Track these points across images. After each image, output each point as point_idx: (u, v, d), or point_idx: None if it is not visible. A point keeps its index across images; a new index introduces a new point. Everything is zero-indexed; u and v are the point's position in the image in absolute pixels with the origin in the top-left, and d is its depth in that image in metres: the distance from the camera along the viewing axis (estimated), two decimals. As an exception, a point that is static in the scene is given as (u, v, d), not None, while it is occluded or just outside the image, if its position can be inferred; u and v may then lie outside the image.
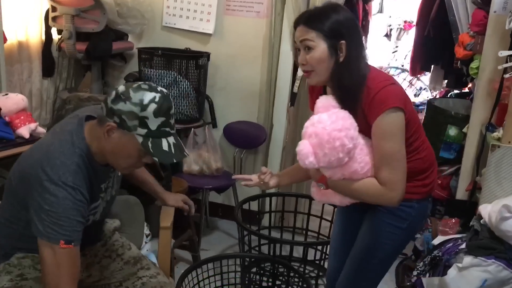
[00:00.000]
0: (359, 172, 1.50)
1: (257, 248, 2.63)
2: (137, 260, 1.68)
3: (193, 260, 2.85)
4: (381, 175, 1.46)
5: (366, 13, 4.72)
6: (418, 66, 4.43)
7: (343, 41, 1.44)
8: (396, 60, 7.10)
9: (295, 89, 3.14)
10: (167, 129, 1.36)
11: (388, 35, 7.74)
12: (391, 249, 1.65)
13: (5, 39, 2.58)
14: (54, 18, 3.01)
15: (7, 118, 2.26)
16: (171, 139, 1.37)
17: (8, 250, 1.50)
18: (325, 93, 1.62)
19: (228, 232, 3.32)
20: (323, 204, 2.85)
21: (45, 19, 3.08)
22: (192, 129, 3.09)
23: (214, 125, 3.32)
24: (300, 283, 2.35)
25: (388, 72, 6.10)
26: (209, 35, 3.25)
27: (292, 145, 3.21)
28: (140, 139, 1.33)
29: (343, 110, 1.50)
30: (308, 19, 1.48)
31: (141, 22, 3.24)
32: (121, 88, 1.34)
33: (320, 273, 2.59)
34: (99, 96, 2.19)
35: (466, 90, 4.09)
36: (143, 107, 1.30)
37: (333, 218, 2.77)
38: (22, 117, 2.29)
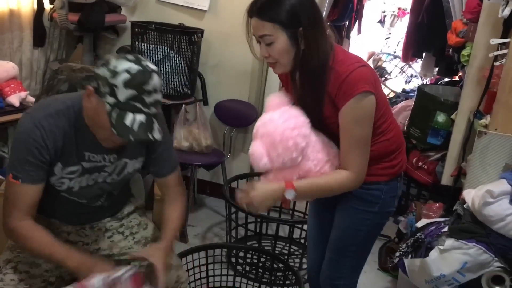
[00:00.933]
0: (313, 170, 1.47)
1: (244, 226, 2.66)
2: (148, 241, 1.65)
3: (180, 235, 2.89)
4: (349, 160, 1.45)
5: (361, -3, 4.71)
6: (410, 52, 4.46)
7: (301, 28, 1.37)
8: (388, 46, 7.10)
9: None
10: (138, 104, 1.27)
11: (381, 21, 7.73)
12: (366, 234, 1.65)
13: (-4, 6, 2.54)
14: (46, -13, 2.97)
15: (-4, 86, 2.24)
16: (141, 117, 1.28)
17: None
18: (294, 76, 1.52)
19: (215, 209, 3.35)
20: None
21: (37, -12, 3.03)
22: (183, 105, 3.09)
23: (205, 103, 3.32)
24: (288, 273, 2.39)
25: (380, 58, 6.12)
26: (204, 11, 3.23)
27: (282, 125, 3.23)
28: (108, 108, 1.28)
29: (295, 107, 1.49)
30: (261, 10, 1.38)
31: (134, -5, 3.20)
32: (109, 55, 1.32)
33: (305, 253, 2.63)
34: (92, 67, 2.16)
35: (457, 78, 4.14)
36: (114, 74, 1.25)
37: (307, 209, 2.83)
38: (12, 85, 2.27)
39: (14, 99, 2.25)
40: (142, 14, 3.36)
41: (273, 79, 3.22)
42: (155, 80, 1.29)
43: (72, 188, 1.48)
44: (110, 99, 1.27)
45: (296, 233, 2.73)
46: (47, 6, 3.12)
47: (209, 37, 3.20)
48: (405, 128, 3.46)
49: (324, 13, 3.09)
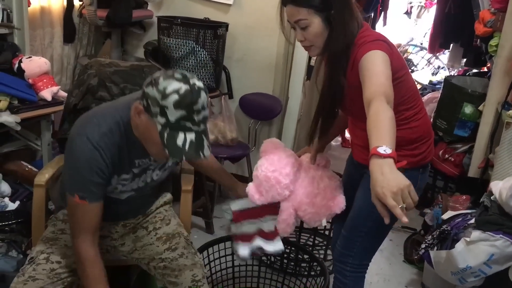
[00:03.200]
0: (305, 201, 1.67)
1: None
2: (169, 237, 1.69)
3: (206, 227, 2.95)
4: (370, 86, 1.32)
5: (387, -12, 4.65)
6: (437, 43, 4.40)
7: (333, 11, 1.45)
8: (412, 39, 7.00)
9: (312, 62, 3.14)
10: (188, 124, 1.29)
11: (408, 13, 7.62)
12: (379, 217, 1.53)
13: (29, 3, 2.61)
14: (75, -16, 3.04)
15: (30, 81, 2.32)
16: (191, 135, 1.31)
17: (59, 205, 1.64)
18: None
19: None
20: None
21: (66, -15, 3.11)
22: (209, 99, 3.12)
23: (230, 96, 3.36)
24: (312, 264, 2.40)
25: (406, 50, 6.04)
26: (229, 5, 3.26)
27: (307, 118, 3.24)
28: (159, 128, 1.31)
29: (282, 151, 1.72)
30: None
31: (161, -10, 3.25)
32: (158, 73, 1.34)
33: (329, 245, 2.64)
34: (121, 62, 2.22)
35: (485, 69, 4.06)
36: (165, 96, 1.27)
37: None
38: (44, 80, 2.35)
39: (47, 94, 2.33)
40: (168, 9, 3.41)
41: (298, 72, 3.24)
42: (203, 98, 1.31)
43: (125, 192, 1.56)
44: (161, 119, 1.29)
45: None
46: (77, 3, 3.20)
47: (233, 31, 3.23)
48: (432, 120, 3.42)
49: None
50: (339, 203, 1.68)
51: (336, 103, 1.59)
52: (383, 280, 2.61)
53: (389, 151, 1.12)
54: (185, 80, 1.30)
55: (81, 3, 3.19)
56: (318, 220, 1.71)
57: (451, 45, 4.30)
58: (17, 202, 2.27)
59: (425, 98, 3.96)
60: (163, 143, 1.30)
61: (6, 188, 2.29)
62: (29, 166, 2.43)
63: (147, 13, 3.34)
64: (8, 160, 2.39)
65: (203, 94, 1.31)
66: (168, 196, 1.86)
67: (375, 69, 1.36)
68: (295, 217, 1.73)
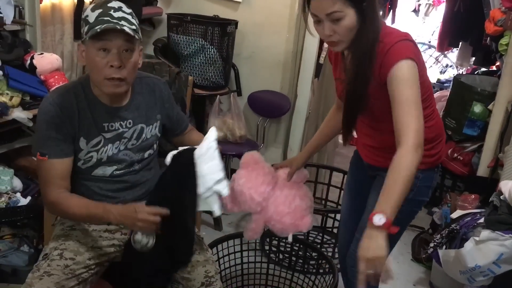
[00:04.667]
0: (274, 218, 1.74)
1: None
2: None
3: (215, 223, 2.96)
4: (405, 126, 1.36)
5: (396, -14, 4.64)
6: (446, 41, 4.38)
7: (365, 3, 1.41)
8: (417, 36, 6.96)
9: (321, 60, 3.15)
10: (106, 18, 1.39)
11: (416, 10, 7.58)
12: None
13: (40, 0, 2.63)
14: (86, -19, 3.05)
15: (42, 77, 2.34)
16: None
17: None
18: (343, 55, 1.59)
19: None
20: (343, 176, 2.90)
21: (77, -18, 3.12)
22: (218, 96, 3.14)
23: (239, 93, 3.36)
24: (321, 261, 2.41)
25: (415, 48, 6.01)
26: (238, 3, 3.26)
27: (315, 116, 3.24)
28: (87, 37, 1.40)
29: (261, 167, 1.75)
30: None
31: (171, -12, 3.26)
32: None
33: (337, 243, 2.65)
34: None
35: (494, 68, 4.05)
36: (85, 10, 1.43)
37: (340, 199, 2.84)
38: (56, 77, 2.36)
39: (58, 90, 2.34)
40: (177, 6, 3.42)
41: (306, 70, 3.24)
42: (120, 3, 1.45)
43: (101, 160, 1.57)
44: (86, 29, 1.40)
45: (329, 223, 2.75)
46: (87, 0, 3.22)
47: (243, 28, 3.23)
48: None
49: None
50: (306, 223, 1.77)
51: (362, 100, 1.51)
52: (390, 278, 2.61)
53: (383, 220, 1.29)
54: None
55: (90, 0, 3.20)
56: (285, 234, 1.80)
57: (460, 43, 4.29)
58: (29, 198, 2.29)
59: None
60: (93, 36, 1.37)
61: (17, 183, 2.31)
62: (40, 162, 2.44)
63: (157, 10, 3.35)
64: (20, 155, 2.41)
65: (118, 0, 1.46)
66: None
67: (407, 94, 1.37)
68: (263, 228, 1.80)
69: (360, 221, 1.70)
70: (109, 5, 1.42)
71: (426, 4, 7.57)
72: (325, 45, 3.08)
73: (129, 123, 1.59)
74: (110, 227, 1.64)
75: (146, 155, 1.67)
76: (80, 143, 1.53)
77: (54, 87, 1.54)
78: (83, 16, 1.43)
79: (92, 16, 1.40)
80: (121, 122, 1.58)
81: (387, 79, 1.41)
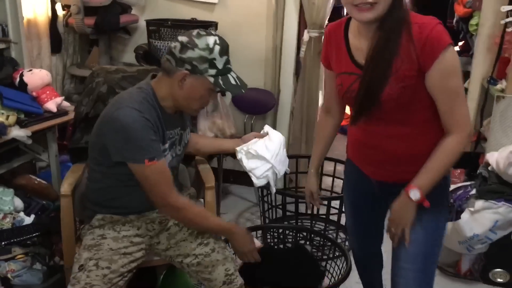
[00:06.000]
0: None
1: (280, 207, 2.77)
2: (200, 232, 1.74)
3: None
4: (456, 117, 1.36)
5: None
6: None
7: None
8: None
9: (302, 54, 3.23)
10: (229, 65, 1.56)
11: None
12: (444, 227, 1.57)
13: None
14: (60, -6, 3.02)
15: (34, 94, 2.31)
16: (234, 74, 1.59)
17: (90, 213, 1.68)
18: (347, 42, 1.45)
19: (242, 196, 3.45)
20: (335, 164, 3.00)
21: (50, -5, 3.08)
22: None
23: (223, 93, 3.40)
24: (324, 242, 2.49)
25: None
26: (214, 4, 3.30)
27: (300, 108, 3.32)
28: (212, 79, 1.51)
29: None
30: None
31: (145, -6, 3.27)
32: (183, 38, 1.50)
33: (339, 230, 2.73)
34: (127, 68, 2.24)
35: (458, 49, 4.24)
36: (211, 50, 1.49)
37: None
38: (47, 92, 2.34)
39: (51, 105, 2.32)
40: (152, 12, 3.42)
41: (287, 64, 3.31)
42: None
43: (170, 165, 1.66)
44: (212, 71, 1.51)
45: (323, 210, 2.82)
46: (60, 13, 3.17)
47: (221, 29, 3.26)
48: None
49: None
50: None
51: (384, 85, 1.35)
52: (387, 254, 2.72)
53: (418, 196, 1.40)
54: (209, 33, 1.54)
55: (65, 12, 3.17)
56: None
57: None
58: (32, 216, 2.26)
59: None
60: (222, 88, 1.53)
61: (19, 203, 2.28)
62: (38, 179, 2.41)
63: (133, 18, 3.34)
64: (17, 174, 2.38)
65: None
66: (192, 189, 1.92)
67: (459, 83, 1.35)
68: None
69: (410, 252, 1.50)
70: (229, 50, 1.57)
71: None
72: (305, 38, 3.17)
73: (178, 130, 1.68)
74: (139, 232, 1.67)
75: (182, 154, 1.79)
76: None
77: (120, 99, 1.56)
78: (205, 53, 1.49)
79: (219, 62, 1.52)
80: (175, 129, 1.66)
81: (433, 67, 1.30)
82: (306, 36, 3.15)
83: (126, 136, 1.48)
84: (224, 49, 1.53)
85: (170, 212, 1.62)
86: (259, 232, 2.57)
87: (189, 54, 1.48)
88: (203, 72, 1.50)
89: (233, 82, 1.56)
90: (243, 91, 1.58)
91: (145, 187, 1.55)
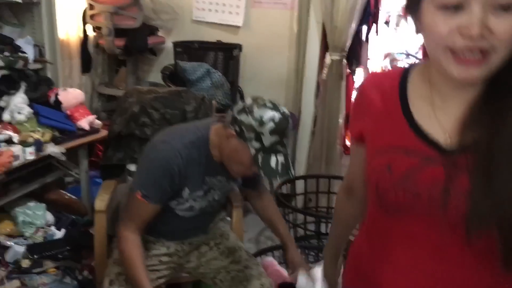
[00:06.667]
0: None
1: (301, 226, 2.80)
2: (232, 251, 1.77)
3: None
4: None
5: (377, 1, 4.86)
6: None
7: None
8: (393, 46, 7.22)
9: (324, 76, 3.29)
10: (279, 147, 1.48)
11: (387, 22, 7.89)
12: None
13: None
14: (91, 16, 3.14)
15: (68, 112, 2.41)
16: (281, 157, 1.48)
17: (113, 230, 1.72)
18: (404, 103, 0.90)
19: (261, 214, 3.48)
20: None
21: (82, 17, 3.20)
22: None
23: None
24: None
25: (395, 58, 6.26)
26: (238, 27, 3.40)
27: (321, 129, 3.38)
28: (253, 151, 1.45)
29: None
30: None
31: (172, 17, 3.38)
32: (249, 101, 1.50)
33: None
34: (159, 89, 2.32)
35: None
36: (262, 123, 1.44)
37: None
38: (80, 110, 2.44)
39: (84, 123, 2.41)
40: (178, 34, 3.53)
41: (309, 87, 3.38)
42: (290, 124, 1.50)
43: (193, 207, 1.64)
44: (256, 144, 1.44)
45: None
46: (91, 34, 3.30)
47: (244, 50, 3.36)
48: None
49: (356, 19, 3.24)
50: None
51: None
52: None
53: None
54: (276, 108, 1.48)
55: (95, 33, 3.29)
56: None
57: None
58: (63, 230, 2.34)
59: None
60: (258, 165, 1.45)
61: (50, 217, 2.36)
62: (68, 195, 2.50)
63: (159, 39, 3.45)
64: (48, 189, 2.46)
65: (290, 120, 1.49)
66: (221, 212, 1.96)
67: None
68: None
69: None
70: (285, 132, 1.51)
71: (397, 15, 7.89)
72: (327, 61, 3.24)
73: (222, 179, 1.65)
74: (169, 251, 1.71)
75: (224, 197, 1.79)
76: (183, 192, 1.57)
77: (172, 132, 1.57)
78: (255, 124, 1.44)
79: (267, 138, 1.45)
80: (218, 177, 1.63)
81: None
82: (328, 59, 3.22)
83: (147, 165, 1.52)
84: (278, 130, 1.46)
85: (117, 239, 1.61)
86: (280, 251, 2.62)
87: (243, 117, 1.46)
88: (247, 140, 1.46)
89: (272, 164, 1.47)
90: (278, 178, 1.52)
91: (125, 209, 1.59)
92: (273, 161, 1.46)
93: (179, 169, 1.49)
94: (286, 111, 1.51)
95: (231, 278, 1.71)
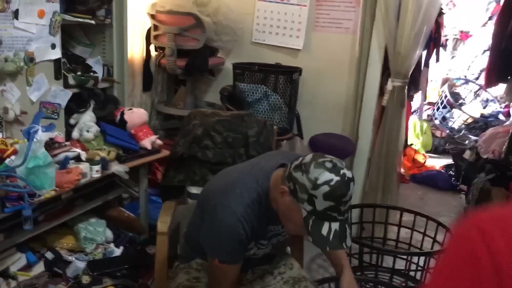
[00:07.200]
0: None
1: (356, 256, 2.72)
2: (296, 281, 1.73)
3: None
4: None
5: (439, 26, 4.75)
6: (493, 77, 4.44)
7: None
8: (450, 71, 7.03)
9: (384, 103, 3.22)
10: (334, 214, 1.31)
11: (443, 45, 7.69)
12: None
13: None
14: (155, 37, 3.22)
15: (132, 131, 2.45)
16: (335, 225, 1.32)
17: (190, 255, 1.71)
18: None
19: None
20: (415, 216, 2.92)
21: (146, 37, 3.29)
22: (284, 140, 3.22)
23: (301, 136, 3.44)
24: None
25: (454, 84, 6.08)
26: (298, 50, 3.39)
27: (379, 157, 3.29)
28: (304, 214, 1.32)
29: None
30: None
31: (233, 39, 3.41)
32: (308, 158, 1.35)
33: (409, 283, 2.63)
34: (222, 112, 2.34)
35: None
36: (315, 186, 1.28)
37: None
38: (144, 130, 2.48)
39: (147, 143, 2.45)
40: (238, 55, 3.55)
41: (367, 112, 3.31)
42: (351, 189, 1.30)
43: (257, 253, 1.62)
44: (308, 207, 1.31)
45: (398, 264, 2.73)
46: (153, 53, 3.38)
47: (304, 74, 3.34)
48: (503, 155, 3.44)
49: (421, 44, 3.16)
50: None
51: None
52: None
53: None
54: (335, 170, 1.29)
55: (157, 53, 3.37)
56: None
57: (509, 78, 4.34)
58: (121, 248, 2.36)
59: (487, 133, 3.98)
60: (307, 229, 1.32)
61: (109, 234, 2.40)
62: (127, 212, 2.53)
63: (219, 61, 3.49)
64: (109, 206, 2.50)
65: (351, 185, 1.30)
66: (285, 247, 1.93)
67: None
68: None
69: None
70: (343, 199, 1.30)
71: (454, 38, 7.68)
72: (388, 87, 3.17)
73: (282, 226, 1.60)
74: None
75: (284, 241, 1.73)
76: (250, 244, 1.56)
77: (236, 195, 1.47)
78: (308, 185, 1.29)
79: (320, 203, 1.29)
80: (279, 225, 1.57)
81: None
82: (389, 85, 3.15)
83: (215, 234, 1.47)
84: (335, 195, 1.27)
85: None
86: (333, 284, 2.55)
87: (297, 175, 1.32)
88: (299, 201, 1.32)
89: (324, 232, 1.30)
90: (328, 248, 1.32)
91: (208, 275, 1.58)
92: (325, 228, 1.30)
93: (246, 233, 1.45)
94: (349, 173, 1.31)
95: None
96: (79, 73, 2.34)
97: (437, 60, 4.96)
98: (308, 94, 3.44)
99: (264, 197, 1.46)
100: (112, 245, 2.35)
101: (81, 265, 2.19)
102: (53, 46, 2.19)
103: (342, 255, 1.77)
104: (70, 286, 2.12)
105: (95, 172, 2.13)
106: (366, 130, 3.36)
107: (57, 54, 2.22)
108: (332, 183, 1.27)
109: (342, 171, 1.30)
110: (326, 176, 1.28)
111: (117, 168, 2.21)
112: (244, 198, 1.44)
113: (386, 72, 3.30)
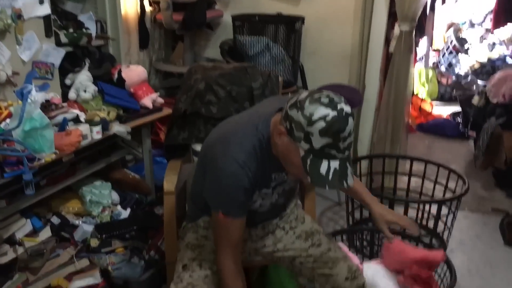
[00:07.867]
0: None
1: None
2: (309, 234, 1.69)
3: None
4: None
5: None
6: (502, 18, 4.29)
7: None
8: (454, 16, 6.80)
9: (391, 49, 3.10)
10: (333, 151, 1.23)
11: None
12: None
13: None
14: (149, -10, 3.07)
15: (131, 90, 2.35)
16: (335, 163, 1.24)
17: (197, 213, 1.64)
18: None
19: (323, 194, 3.37)
20: (425, 164, 2.85)
21: (139, -9, 3.14)
22: (289, 93, 3.12)
23: (306, 89, 3.34)
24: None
25: (459, 29, 5.88)
26: (299, -2, 3.24)
27: (387, 106, 3.20)
28: (302, 153, 1.25)
29: None
30: None
31: (231, -11, 3.26)
32: (303, 94, 1.26)
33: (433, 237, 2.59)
34: (223, 65, 2.23)
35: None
36: (310, 122, 1.20)
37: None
38: (144, 88, 2.38)
39: (147, 101, 2.36)
40: (235, 7, 3.40)
41: (374, 60, 3.19)
42: (350, 125, 1.22)
43: (263, 204, 1.55)
44: (305, 145, 1.24)
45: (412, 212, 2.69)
46: (148, 9, 3.23)
47: (306, 23, 3.20)
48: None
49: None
50: None
51: None
52: (489, 266, 2.57)
53: None
54: (332, 105, 1.21)
55: (152, 8, 3.22)
56: None
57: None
58: (128, 209, 2.32)
59: (495, 77, 3.84)
60: (305, 169, 1.25)
61: (115, 196, 2.34)
62: (132, 174, 2.47)
63: (217, 13, 3.35)
64: (112, 168, 2.44)
65: (350, 121, 1.22)
66: (296, 199, 1.87)
67: None
68: None
69: None
70: (341, 135, 1.21)
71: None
72: (396, 32, 3.03)
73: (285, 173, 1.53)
74: (243, 236, 1.65)
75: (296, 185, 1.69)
76: (254, 195, 1.48)
77: (230, 137, 1.40)
78: (303, 122, 1.21)
79: (316, 141, 1.21)
80: (283, 172, 1.50)
81: None
82: (396, 30, 3.01)
83: (218, 185, 1.39)
84: (331, 131, 1.19)
85: (218, 270, 1.52)
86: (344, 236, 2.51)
87: (293, 113, 1.24)
88: (296, 140, 1.25)
89: (322, 171, 1.23)
90: (327, 187, 1.25)
91: (213, 233, 1.52)
92: (323, 167, 1.23)
93: (250, 181, 1.38)
94: (347, 108, 1.22)
95: (314, 260, 1.64)
96: (71, 30, 2.21)
97: (443, 1, 4.78)
98: (312, 44, 3.31)
99: (265, 143, 1.39)
100: (119, 207, 2.30)
101: (89, 228, 2.14)
102: (41, 1, 2.06)
103: (364, 193, 1.69)
104: (79, 249, 2.09)
105: (96, 134, 2.05)
106: (373, 79, 3.25)
107: (46, 9, 2.09)
108: (328, 119, 1.19)
109: (339, 106, 1.21)
110: (321, 111, 1.19)
111: (118, 128, 2.13)
112: (244, 145, 1.38)
113: (389, 20, 3.16)
